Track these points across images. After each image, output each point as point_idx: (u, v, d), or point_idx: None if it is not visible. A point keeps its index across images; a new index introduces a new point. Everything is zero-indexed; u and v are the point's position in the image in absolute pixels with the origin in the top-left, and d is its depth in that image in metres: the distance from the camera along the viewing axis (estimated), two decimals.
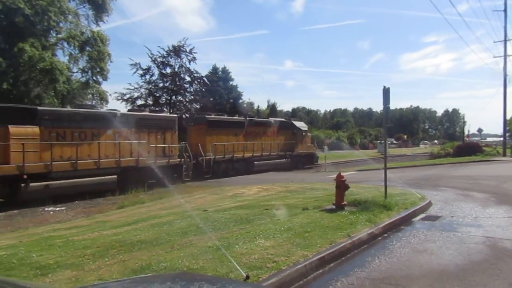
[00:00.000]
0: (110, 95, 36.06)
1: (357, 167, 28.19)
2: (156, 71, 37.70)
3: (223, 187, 16.96)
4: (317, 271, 5.28)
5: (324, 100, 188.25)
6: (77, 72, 33.43)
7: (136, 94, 37.01)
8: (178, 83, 37.98)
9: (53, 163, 15.64)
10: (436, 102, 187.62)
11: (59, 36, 31.67)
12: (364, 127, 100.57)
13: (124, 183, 17.61)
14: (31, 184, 14.91)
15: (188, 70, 38.34)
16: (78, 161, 16.47)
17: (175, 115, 23.68)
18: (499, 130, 43.77)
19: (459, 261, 5.73)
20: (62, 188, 15.74)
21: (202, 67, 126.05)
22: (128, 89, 36.84)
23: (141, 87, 37.22)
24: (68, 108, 18.60)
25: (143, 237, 6.93)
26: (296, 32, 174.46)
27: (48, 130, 15.86)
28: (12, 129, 14.65)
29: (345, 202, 8.94)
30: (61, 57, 32.03)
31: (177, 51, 37.51)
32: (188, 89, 39.30)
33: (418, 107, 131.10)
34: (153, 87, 37.75)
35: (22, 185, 14.72)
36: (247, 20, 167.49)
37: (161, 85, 38.06)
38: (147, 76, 37.39)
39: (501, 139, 37.78)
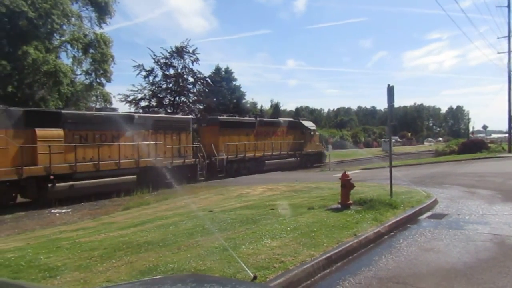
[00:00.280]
0: (114, 96, 36.26)
1: (361, 166, 28.14)
2: (159, 72, 37.74)
3: (228, 187, 16.98)
4: (324, 270, 5.28)
5: (328, 99, 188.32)
6: (80, 74, 33.62)
7: (139, 96, 37.06)
8: (181, 84, 37.98)
9: (77, 164, 16.33)
10: (440, 99, 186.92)
11: (63, 38, 31.80)
12: (368, 125, 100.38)
13: (143, 182, 18.09)
14: (57, 184, 15.53)
15: (191, 70, 38.34)
16: (100, 162, 17.09)
17: (189, 117, 24.19)
18: (504, 127, 43.55)
19: (466, 259, 5.70)
20: (86, 188, 16.36)
21: (205, 68, 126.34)
22: (131, 90, 36.90)
23: (144, 88, 37.26)
24: (90, 111, 19.16)
25: (149, 238, 6.95)
26: (299, 31, 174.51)
27: (72, 132, 16.52)
28: (39, 132, 15.30)
29: (350, 201, 8.92)
30: (65, 59, 32.22)
31: (180, 52, 37.52)
32: (191, 90, 39.30)
33: (422, 104, 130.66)
34: (156, 88, 37.77)
35: (49, 185, 15.31)
36: (250, 20, 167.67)
37: (164, 86, 38.06)
38: (151, 78, 37.41)
39: (506, 135, 37.56)
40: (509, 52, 33.53)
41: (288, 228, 6.97)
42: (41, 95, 28.98)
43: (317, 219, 7.74)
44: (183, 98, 38.81)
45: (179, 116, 24.24)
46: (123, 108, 38.15)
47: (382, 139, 64.64)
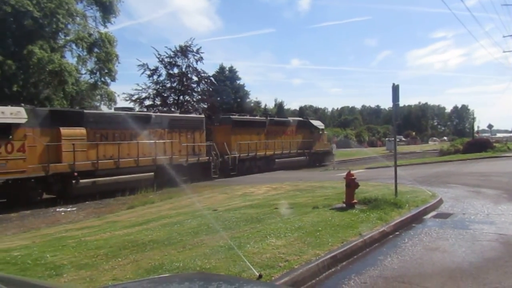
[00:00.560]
0: (118, 96, 36.31)
1: (366, 165, 28.08)
2: (163, 72, 37.79)
3: (232, 187, 16.99)
4: (329, 269, 5.28)
5: (332, 98, 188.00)
6: (85, 73, 33.69)
7: (144, 95, 37.16)
8: (185, 83, 38.02)
9: (99, 161, 17.05)
10: (445, 98, 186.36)
11: (68, 38, 31.91)
12: (372, 124, 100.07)
13: (160, 180, 18.56)
14: (80, 181, 16.22)
15: (195, 70, 38.37)
16: (120, 160, 17.82)
17: (203, 116, 24.69)
18: (510, 126, 43.31)
19: (472, 259, 5.68)
20: (107, 185, 17.02)
21: (209, 67, 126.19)
22: (136, 89, 37.00)
23: (149, 87, 37.32)
24: (110, 111, 20.18)
25: (154, 237, 6.98)
26: (303, 30, 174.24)
27: (93, 131, 17.19)
28: (63, 130, 15.99)
29: (355, 201, 8.90)
30: (70, 59, 32.31)
31: (184, 51, 37.55)
32: (195, 89, 39.33)
33: (426, 103, 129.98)
34: (160, 87, 37.85)
35: (73, 181, 16.01)
36: (254, 19, 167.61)
37: (168, 85, 38.13)
38: (155, 77, 37.47)
39: None
40: None
41: (293, 227, 6.97)
42: (46, 94, 29.12)
43: (321, 218, 7.73)
44: (187, 97, 38.87)
45: (193, 115, 25.23)
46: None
47: (387, 138, 64.46)
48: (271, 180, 19.49)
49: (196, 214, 9.45)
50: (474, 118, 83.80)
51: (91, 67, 33.21)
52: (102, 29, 33.10)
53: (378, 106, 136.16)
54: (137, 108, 34.53)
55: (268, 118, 29.05)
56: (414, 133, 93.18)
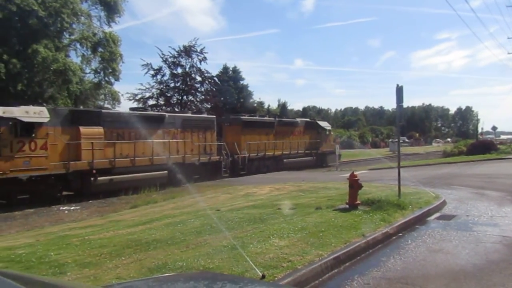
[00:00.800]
0: (122, 95, 36.44)
1: (369, 166, 28.03)
2: (167, 71, 37.94)
3: (235, 187, 17.00)
4: (333, 270, 5.28)
5: (335, 98, 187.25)
6: (89, 72, 33.82)
7: (147, 94, 37.31)
8: (189, 83, 38.13)
9: (116, 159, 17.62)
10: (449, 100, 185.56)
11: (72, 37, 32.04)
12: (375, 125, 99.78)
13: (173, 178, 18.95)
14: (98, 178, 16.82)
15: (199, 70, 38.48)
16: (136, 158, 18.38)
17: (214, 116, 25.10)
18: None
19: (476, 261, 5.67)
20: (123, 182, 17.46)
21: (212, 67, 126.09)
22: (139, 89, 37.18)
23: (152, 87, 37.49)
24: (126, 111, 20.52)
25: (158, 236, 7.00)
26: (307, 31, 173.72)
27: (110, 130, 17.72)
28: (83, 129, 16.56)
29: (358, 201, 8.90)
30: (74, 58, 32.42)
31: (188, 51, 37.66)
32: (199, 89, 39.45)
33: (430, 105, 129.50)
34: (164, 87, 37.97)
35: (92, 179, 16.60)
36: (258, 20, 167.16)
37: (172, 85, 38.25)
38: (159, 76, 37.64)
39: None
40: None
41: (296, 228, 6.98)
42: (51, 93, 29.24)
43: (324, 219, 7.73)
44: (190, 97, 38.96)
45: (205, 115, 25.79)
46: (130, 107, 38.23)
47: (390, 140, 64.35)
48: (274, 180, 19.49)
49: (199, 214, 9.47)
50: (478, 120, 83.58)
51: (95, 66, 33.36)
52: (107, 29, 33.26)
53: (381, 107, 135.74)
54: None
55: (277, 119, 29.59)
56: (417, 134, 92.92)
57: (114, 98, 35.44)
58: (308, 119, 35.13)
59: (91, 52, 32.24)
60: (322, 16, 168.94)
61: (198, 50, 37.90)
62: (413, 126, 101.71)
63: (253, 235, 6.56)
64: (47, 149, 15.32)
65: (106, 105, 34.85)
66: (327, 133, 33.78)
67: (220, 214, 9.40)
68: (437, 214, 9.13)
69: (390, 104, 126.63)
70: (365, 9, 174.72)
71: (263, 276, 4.51)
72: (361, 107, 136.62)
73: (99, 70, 33.19)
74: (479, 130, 62.04)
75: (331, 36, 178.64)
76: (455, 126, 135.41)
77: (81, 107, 23.77)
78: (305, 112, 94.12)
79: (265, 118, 29.47)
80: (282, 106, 74.82)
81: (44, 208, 14.55)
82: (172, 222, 8.67)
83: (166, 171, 19.11)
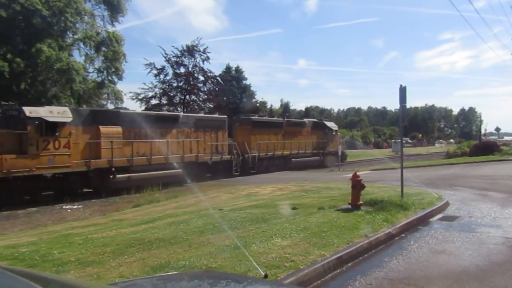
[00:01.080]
0: (125, 94, 36.49)
1: (371, 167, 27.99)
2: (170, 71, 38.00)
3: (237, 186, 17.02)
4: (335, 270, 5.28)
5: (338, 98, 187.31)
6: (92, 72, 33.85)
7: (150, 94, 37.37)
8: (192, 82, 38.16)
9: (133, 158, 18.33)
10: (452, 101, 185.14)
11: (76, 36, 32.07)
12: (378, 126, 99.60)
13: (187, 176, 19.26)
14: (117, 176, 17.49)
15: (201, 69, 38.51)
16: (152, 157, 19.06)
17: (225, 116, 25.66)
18: None
19: (478, 262, 5.65)
20: (140, 180, 18.05)
21: (215, 67, 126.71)
22: (142, 88, 37.25)
23: (155, 86, 37.56)
24: (142, 111, 21.45)
25: (160, 236, 7.01)
26: (310, 31, 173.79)
27: (128, 129, 18.35)
28: (102, 129, 17.27)
29: (361, 202, 8.89)
30: (77, 57, 32.47)
31: (190, 50, 37.69)
32: (201, 89, 39.48)
33: (433, 105, 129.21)
34: (167, 86, 38.02)
35: (111, 176, 17.25)
36: (261, 19, 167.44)
37: (175, 84, 38.31)
38: (161, 76, 37.70)
39: None
40: None
41: (299, 228, 6.98)
42: (54, 92, 29.28)
43: (327, 219, 7.73)
44: (193, 97, 39.00)
45: (217, 115, 26.35)
46: (134, 106, 38.37)
47: (393, 140, 64.20)
48: (276, 180, 19.50)
49: (202, 213, 9.49)
50: (481, 121, 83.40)
51: (99, 65, 33.38)
52: (110, 28, 33.30)
53: (384, 107, 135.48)
54: (143, 107, 34.78)
55: (285, 119, 30.23)
56: (420, 135, 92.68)
57: (117, 97, 35.50)
58: (315, 120, 35.72)
59: (95, 51, 32.30)
60: (326, 16, 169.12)
61: (201, 50, 37.97)
62: (416, 127, 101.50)
63: (256, 235, 6.56)
64: (70, 148, 16.03)
65: (109, 105, 34.97)
66: (334, 133, 34.29)
67: (222, 213, 9.41)
68: (440, 215, 9.10)
69: (393, 105, 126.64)
70: (368, 9, 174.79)
71: (266, 276, 4.51)
72: (364, 107, 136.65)
73: (102, 70, 33.24)
74: (482, 131, 61.93)
75: (334, 36, 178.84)
76: (458, 127, 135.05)
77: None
78: (308, 112, 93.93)
79: (274, 118, 30.26)
80: (285, 106, 74.83)
81: (47, 206, 14.62)
82: (174, 221, 8.68)
83: (180, 170, 19.48)
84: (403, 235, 7.33)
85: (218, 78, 41.97)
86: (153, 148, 19.10)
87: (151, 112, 20.54)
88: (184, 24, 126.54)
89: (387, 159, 33.87)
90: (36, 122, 15.09)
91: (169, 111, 26.40)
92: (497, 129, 47.84)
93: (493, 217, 8.76)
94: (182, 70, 38.22)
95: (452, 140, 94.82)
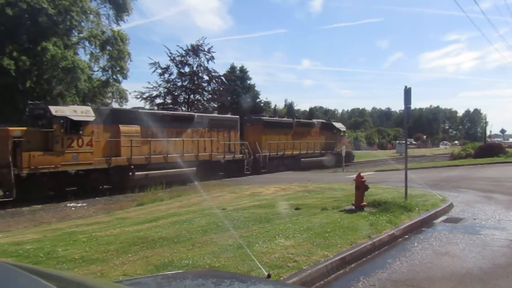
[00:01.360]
0: (129, 93, 36.61)
1: (375, 168, 27.95)
2: (174, 70, 38.04)
3: (241, 186, 17.03)
4: (338, 271, 5.28)
5: (342, 99, 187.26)
6: (97, 70, 33.94)
7: (155, 93, 37.45)
8: (196, 82, 38.20)
9: (151, 156, 18.86)
10: (457, 102, 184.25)
11: (81, 35, 32.19)
12: (382, 127, 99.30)
13: (200, 175, 19.75)
14: (136, 173, 18.00)
15: (206, 69, 38.53)
16: (168, 155, 19.52)
17: (237, 116, 26.22)
18: None
19: (482, 264, 5.63)
20: (157, 177, 18.40)
21: (220, 66, 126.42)
22: (147, 87, 37.35)
23: (160, 86, 37.62)
24: (159, 111, 21.99)
25: (164, 234, 7.03)
26: (314, 31, 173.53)
27: (145, 128, 18.77)
28: (122, 127, 17.82)
29: (364, 203, 8.87)
30: (83, 56, 32.56)
31: (195, 50, 37.73)
32: (206, 88, 39.51)
33: (438, 107, 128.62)
34: (171, 86, 38.08)
35: (130, 174, 17.79)
36: (265, 20, 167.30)
37: (179, 84, 38.35)
38: (166, 75, 37.74)
39: None
40: None
41: (302, 228, 6.98)
42: (59, 91, 29.40)
43: (330, 220, 7.72)
44: (197, 96, 39.05)
45: (229, 115, 27.02)
46: (137, 105, 38.42)
47: (397, 141, 64.01)
48: (280, 180, 19.51)
49: (205, 213, 9.51)
50: (486, 122, 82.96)
51: (104, 64, 33.45)
52: (115, 27, 33.38)
53: (388, 108, 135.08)
54: (147, 106, 34.87)
55: (295, 120, 30.68)
56: (425, 136, 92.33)
57: (122, 96, 35.59)
58: (323, 120, 36.27)
59: (100, 50, 32.40)
60: (330, 17, 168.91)
61: (206, 49, 37.99)
62: (421, 128, 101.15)
63: (259, 235, 6.57)
64: (92, 146, 16.59)
65: (113, 103, 35.08)
66: (342, 134, 34.79)
67: (225, 213, 9.42)
68: (444, 217, 9.08)
69: (397, 106, 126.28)
70: (373, 9, 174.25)
71: (269, 276, 4.51)
72: (368, 108, 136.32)
73: (107, 68, 33.33)
74: (487, 133, 61.57)
75: (338, 37, 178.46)
76: (463, 129, 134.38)
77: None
78: (312, 112, 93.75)
79: (284, 119, 30.72)
80: (289, 106, 74.78)
81: (52, 204, 14.68)
82: (178, 220, 8.71)
83: (195, 168, 19.98)
84: (406, 236, 7.32)
85: (223, 77, 41.99)
86: (169, 147, 19.59)
87: (168, 112, 21.51)
88: (189, 23, 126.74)
89: (391, 160, 33.83)
90: (62, 121, 15.64)
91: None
92: (502, 131, 47.58)
93: (498, 219, 8.72)
94: (187, 69, 38.28)
95: (456, 142, 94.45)
